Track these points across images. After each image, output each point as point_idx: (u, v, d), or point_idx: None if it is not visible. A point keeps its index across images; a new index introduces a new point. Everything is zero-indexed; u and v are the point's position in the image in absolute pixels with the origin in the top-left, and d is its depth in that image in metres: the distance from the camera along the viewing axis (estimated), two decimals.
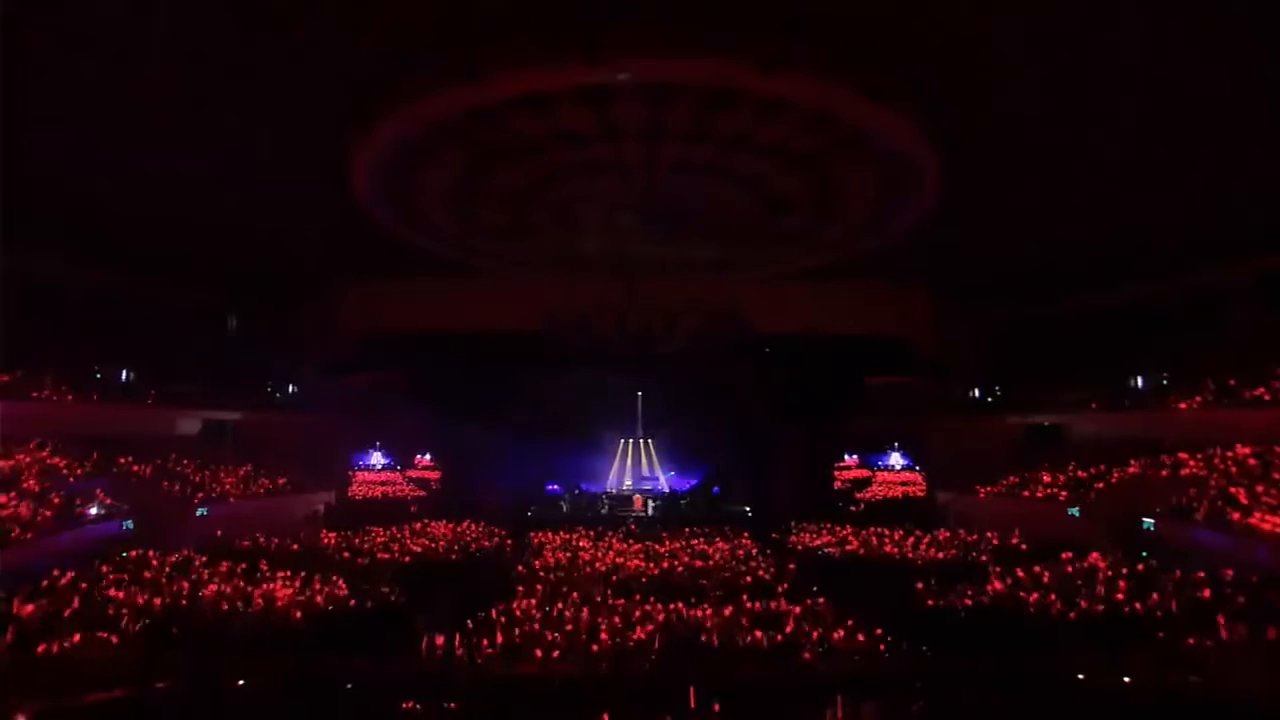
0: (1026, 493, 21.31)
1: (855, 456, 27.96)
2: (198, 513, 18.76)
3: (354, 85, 11.82)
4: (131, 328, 22.41)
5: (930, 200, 15.09)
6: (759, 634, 10.19)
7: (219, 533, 17.35)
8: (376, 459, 26.72)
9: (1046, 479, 21.33)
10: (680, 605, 11.63)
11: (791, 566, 15.97)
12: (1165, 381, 21.33)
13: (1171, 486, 17.64)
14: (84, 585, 11.51)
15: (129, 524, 16.48)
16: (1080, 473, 20.78)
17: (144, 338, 22.48)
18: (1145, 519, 16.54)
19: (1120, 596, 11.20)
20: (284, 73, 11.48)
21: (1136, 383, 22.09)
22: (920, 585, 12.94)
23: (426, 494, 26.04)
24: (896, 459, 27.03)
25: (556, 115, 11.79)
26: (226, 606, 11.17)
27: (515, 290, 22.75)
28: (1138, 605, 10.78)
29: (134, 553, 14.08)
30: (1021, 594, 11.92)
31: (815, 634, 10.25)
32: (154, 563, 13.48)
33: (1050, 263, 21.79)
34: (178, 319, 24.23)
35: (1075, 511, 18.83)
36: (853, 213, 16.13)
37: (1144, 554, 13.66)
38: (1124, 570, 12.60)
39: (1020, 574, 13.06)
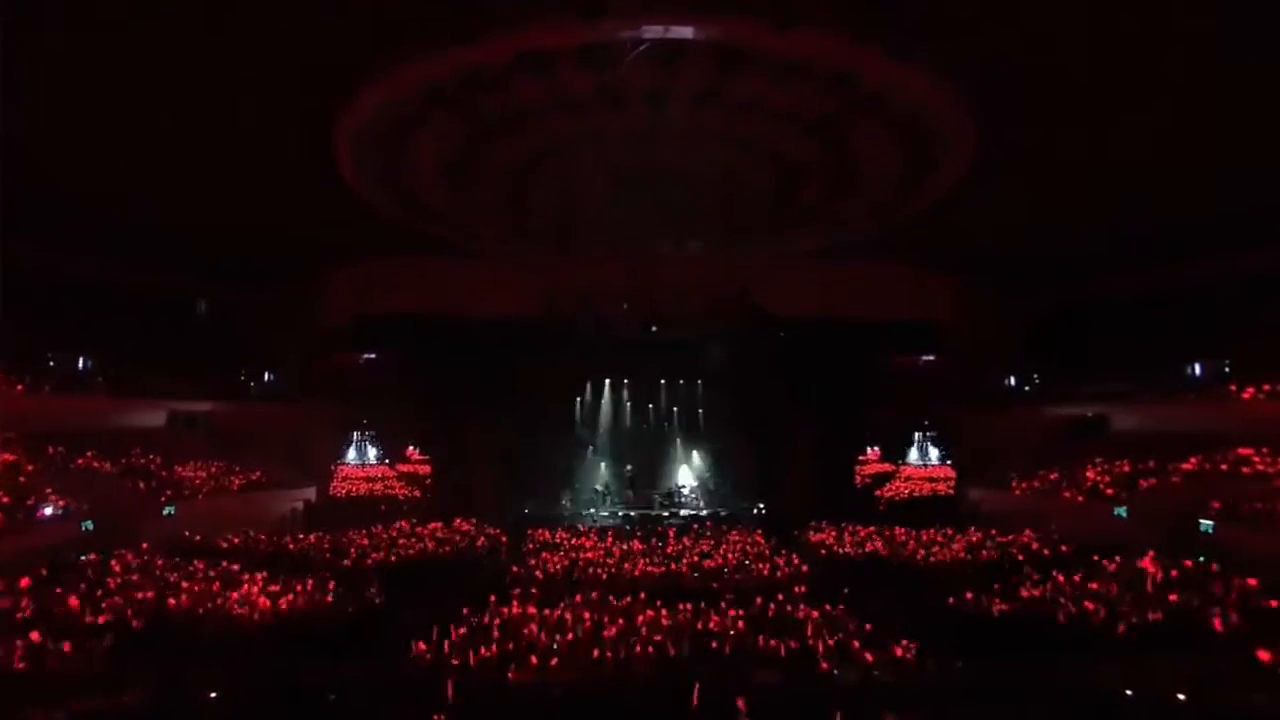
0: (1067, 491, 21.24)
1: (877, 449, 28.06)
2: (165, 511, 18.91)
3: (339, 48, 11.71)
4: (88, 312, 22.47)
5: (959, 171, 14.97)
6: (773, 641, 10.23)
7: (188, 533, 17.52)
8: (360, 452, 27.01)
9: (1090, 475, 21.24)
10: (688, 609, 11.69)
11: (807, 568, 16.03)
12: (1226, 369, 21.04)
13: (1232, 484, 17.46)
14: (40, 591, 11.58)
15: (89, 525, 16.55)
16: (1127, 468, 20.70)
17: (102, 323, 22.52)
18: (1202, 520, 16.40)
19: (1174, 601, 11.16)
20: (265, 35, 11.38)
21: (1193, 370, 21.80)
22: (949, 589, 12.97)
23: (417, 489, 26.22)
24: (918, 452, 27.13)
25: (557, 78, 11.76)
26: (199, 612, 11.28)
27: (514, 271, 22.74)
28: (1194, 615, 10.70)
29: (94, 556, 14.17)
30: (1061, 600, 11.92)
31: (834, 641, 10.29)
32: (116, 567, 13.55)
33: (1094, 241, 21.51)
34: (140, 303, 24.26)
35: (1122, 511, 18.75)
36: (873, 184, 16.04)
37: (1201, 558, 13.59)
38: (1176, 576, 12.55)
39: (1059, 578, 13.05)
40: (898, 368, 27.16)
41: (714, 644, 10.26)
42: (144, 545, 15.27)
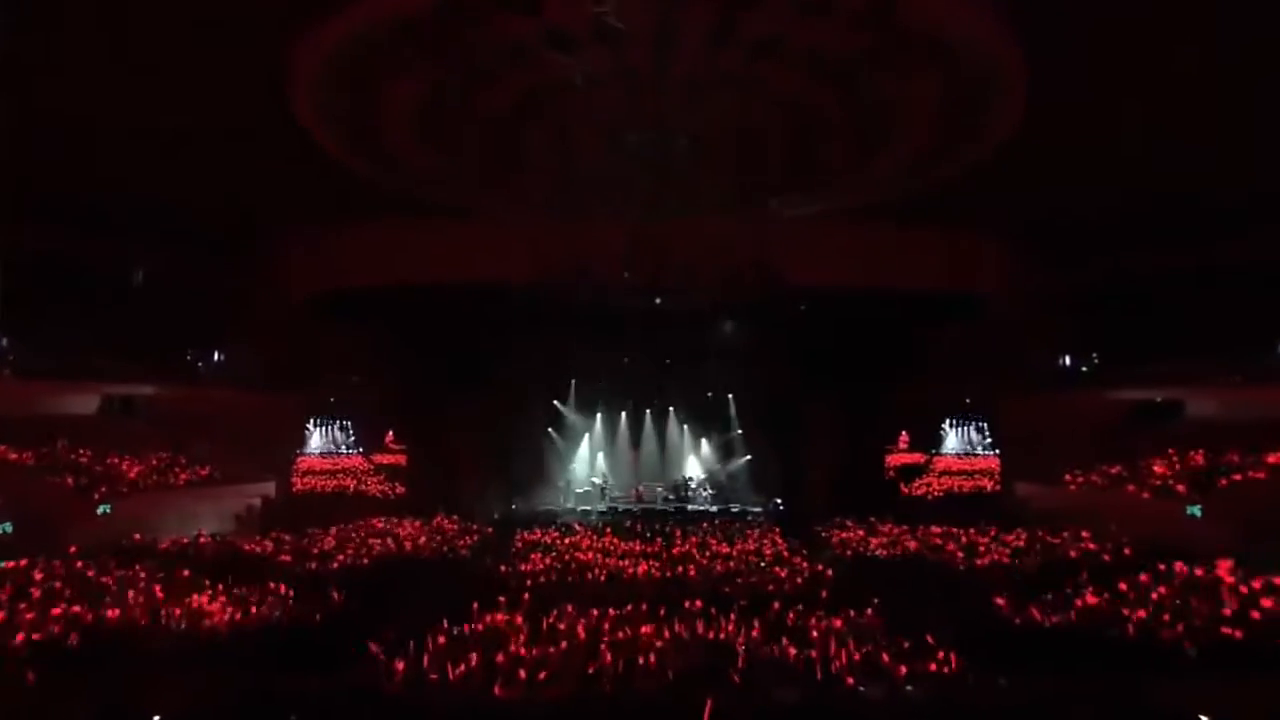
0: (1131, 486, 21.27)
1: (908, 437, 28.14)
2: (99, 510, 18.88)
3: None
4: (5, 282, 22.25)
5: (1013, 117, 14.79)
6: (792, 652, 10.28)
7: (124, 538, 17.44)
8: (327, 442, 27.16)
9: (1158, 469, 21.23)
10: (697, 616, 11.76)
11: (831, 572, 16.14)
12: None
13: None
14: None
15: (7, 527, 16.56)
16: (1203, 461, 20.64)
17: (21, 295, 22.24)
18: None
19: (1257, 615, 11.13)
20: None
21: None
22: (992, 596, 13.03)
23: (399, 484, 26.37)
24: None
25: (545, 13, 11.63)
26: (140, 624, 11.32)
27: (501, 236, 22.50)
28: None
29: (20, 562, 14.10)
30: (1123, 611, 11.92)
31: (860, 653, 10.34)
32: (39, 575, 13.46)
33: (1167, 202, 21.20)
34: (64, 272, 24.05)
35: (1196, 510, 18.63)
36: (912, 135, 15.91)
37: None
38: (1259, 586, 12.47)
39: (1121, 586, 13.07)
40: (934, 345, 27.07)
41: (725, 656, 10.30)
42: (72, 549, 15.22)
